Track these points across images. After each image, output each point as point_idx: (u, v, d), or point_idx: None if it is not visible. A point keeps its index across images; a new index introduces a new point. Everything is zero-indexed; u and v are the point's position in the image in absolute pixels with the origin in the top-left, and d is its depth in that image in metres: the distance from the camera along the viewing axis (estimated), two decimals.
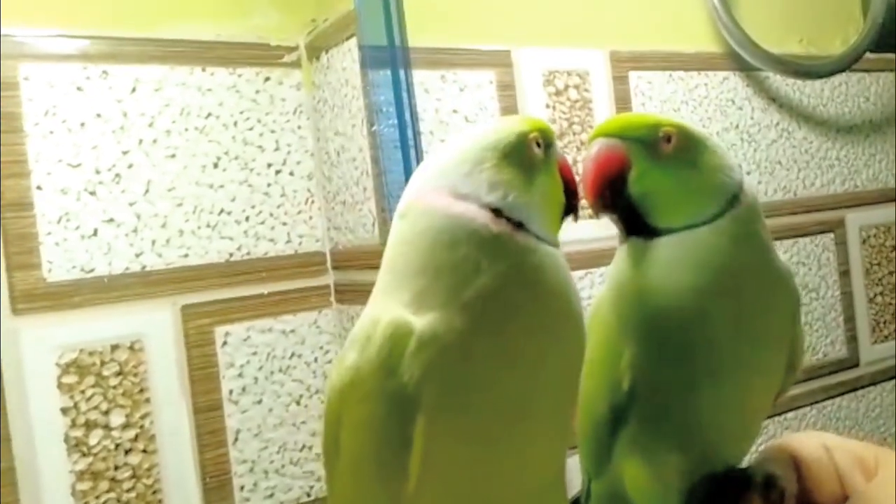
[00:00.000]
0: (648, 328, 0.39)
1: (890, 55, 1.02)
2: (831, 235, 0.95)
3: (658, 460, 0.40)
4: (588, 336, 0.43)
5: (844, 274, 0.96)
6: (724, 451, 0.42)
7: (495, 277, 0.33)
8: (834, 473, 0.39)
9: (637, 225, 0.40)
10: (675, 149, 0.39)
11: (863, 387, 0.96)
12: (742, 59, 0.86)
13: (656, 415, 0.40)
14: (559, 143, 0.75)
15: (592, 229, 0.77)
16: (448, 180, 0.35)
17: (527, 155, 0.37)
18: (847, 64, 0.91)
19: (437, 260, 0.33)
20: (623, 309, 0.41)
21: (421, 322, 0.32)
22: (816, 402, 0.91)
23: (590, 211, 0.76)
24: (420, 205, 0.35)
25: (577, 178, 0.40)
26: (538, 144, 0.37)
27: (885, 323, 0.99)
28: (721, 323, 0.38)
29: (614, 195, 0.39)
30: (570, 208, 0.40)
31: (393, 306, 0.34)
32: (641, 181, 0.39)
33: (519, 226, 0.34)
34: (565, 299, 0.35)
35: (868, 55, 0.93)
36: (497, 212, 0.34)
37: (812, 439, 0.41)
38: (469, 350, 0.32)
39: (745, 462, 0.42)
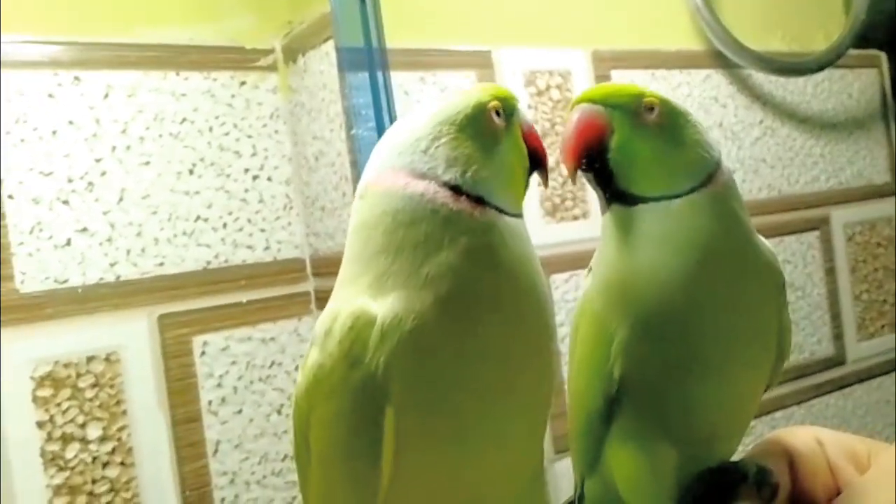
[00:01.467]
0: (637, 311, 0.39)
1: (872, 51, 1.02)
2: (816, 233, 0.95)
3: (650, 451, 0.40)
4: (576, 330, 0.42)
5: (830, 271, 0.96)
6: (715, 444, 0.41)
7: (457, 253, 0.32)
8: (827, 467, 0.39)
9: (614, 192, 0.40)
10: (657, 119, 0.39)
11: (850, 384, 0.96)
12: (725, 57, 0.86)
13: (647, 404, 0.40)
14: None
15: (578, 231, 0.77)
16: (406, 159, 0.34)
17: (486, 126, 0.36)
18: (830, 60, 0.91)
19: (397, 239, 0.33)
20: (610, 294, 0.40)
21: (383, 307, 0.32)
22: (804, 401, 0.91)
23: (575, 212, 0.77)
24: (379, 186, 0.34)
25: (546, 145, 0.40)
26: (498, 114, 0.36)
27: (870, 320, 0.99)
28: (708, 306, 0.38)
29: (593, 160, 0.39)
30: (535, 170, 0.39)
31: (353, 296, 0.33)
32: (622, 148, 0.39)
33: (479, 200, 0.34)
34: (527, 273, 0.35)
35: (850, 51, 0.93)
36: (456, 189, 0.33)
37: (805, 433, 0.41)
38: (434, 330, 0.32)
39: (738, 456, 0.42)
